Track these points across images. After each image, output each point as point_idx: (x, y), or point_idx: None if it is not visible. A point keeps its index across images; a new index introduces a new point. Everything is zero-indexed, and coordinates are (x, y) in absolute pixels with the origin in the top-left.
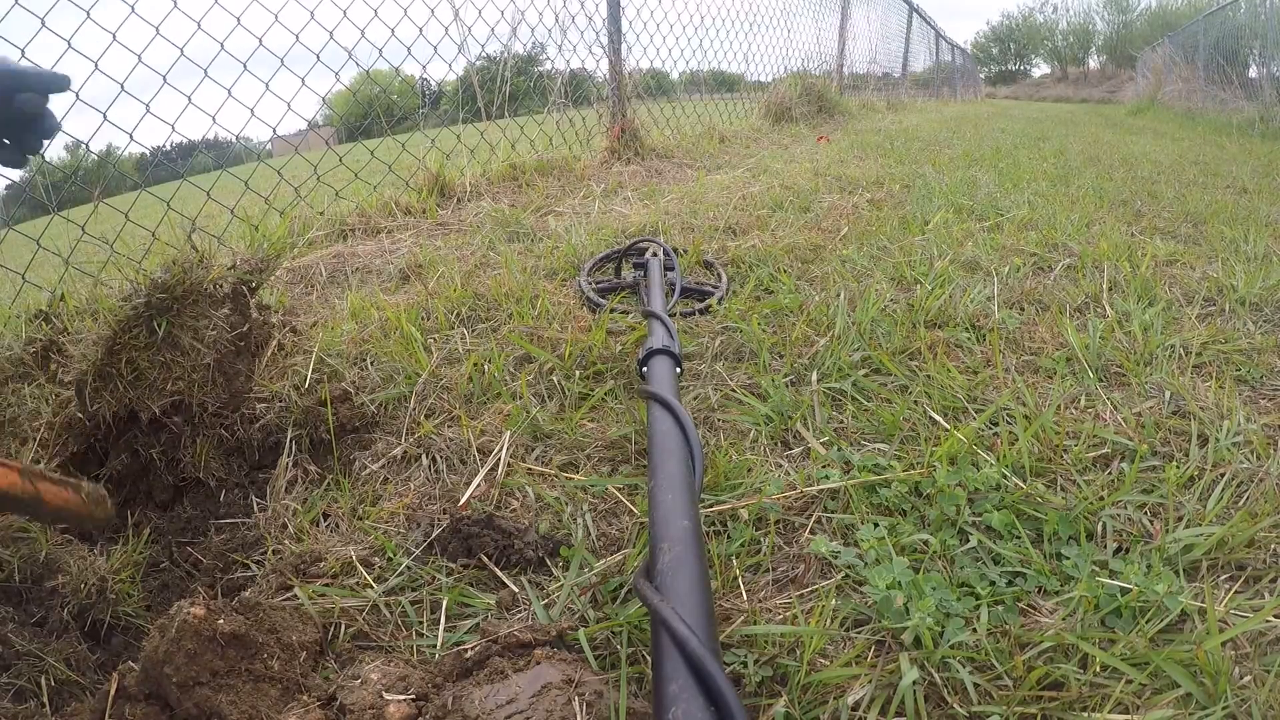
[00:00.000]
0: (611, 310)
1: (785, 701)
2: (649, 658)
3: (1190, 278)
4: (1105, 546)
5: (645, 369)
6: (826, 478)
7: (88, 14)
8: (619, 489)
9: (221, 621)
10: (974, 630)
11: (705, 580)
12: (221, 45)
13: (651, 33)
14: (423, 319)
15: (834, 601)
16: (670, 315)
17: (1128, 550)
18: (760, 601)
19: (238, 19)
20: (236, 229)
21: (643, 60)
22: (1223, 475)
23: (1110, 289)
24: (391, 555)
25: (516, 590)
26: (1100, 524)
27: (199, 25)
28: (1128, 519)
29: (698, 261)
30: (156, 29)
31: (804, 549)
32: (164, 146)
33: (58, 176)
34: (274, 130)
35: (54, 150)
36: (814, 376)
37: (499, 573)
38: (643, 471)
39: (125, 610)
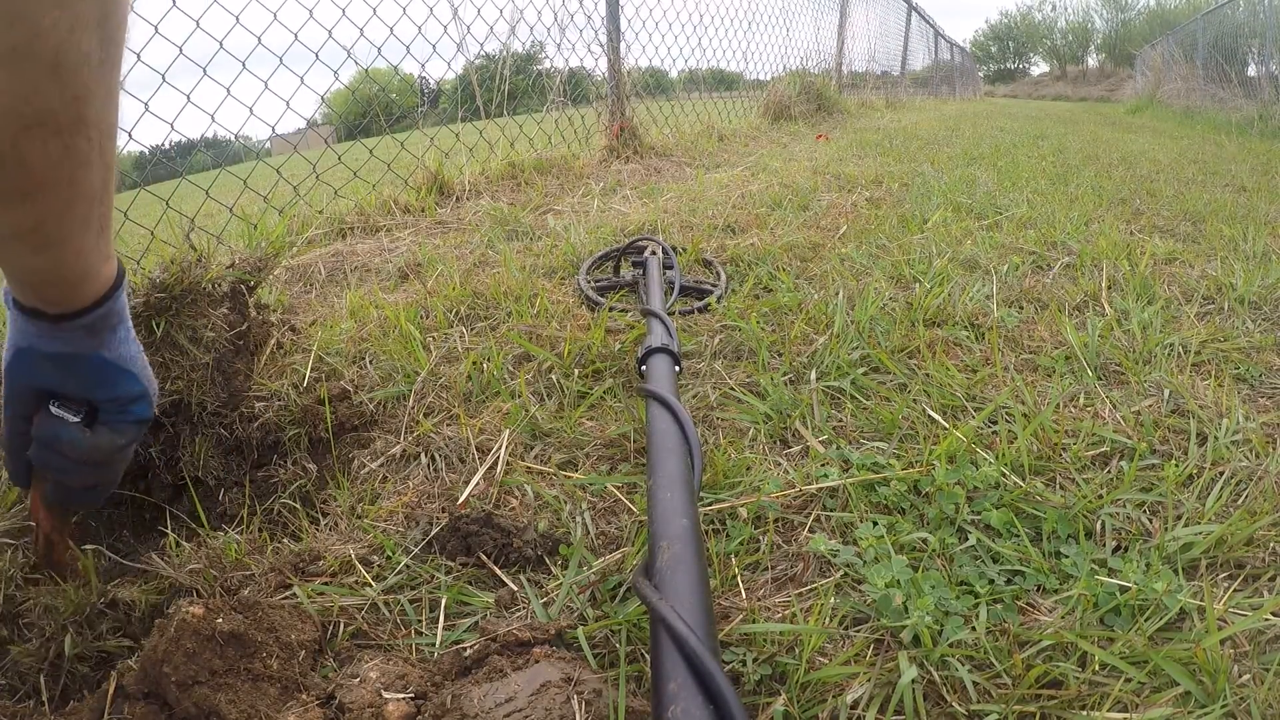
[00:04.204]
0: (610, 309)
1: (784, 700)
2: (648, 656)
3: (1189, 276)
4: (1104, 545)
5: (644, 367)
6: (825, 476)
7: None
8: (618, 487)
9: (220, 620)
10: (973, 628)
11: (704, 579)
12: (220, 44)
13: (650, 31)
14: (421, 317)
15: (833, 600)
16: (669, 313)
17: (1127, 548)
18: (759, 600)
19: (236, 18)
20: (235, 227)
21: (641, 59)
22: (1222, 473)
23: (1109, 287)
24: (390, 554)
25: (515, 589)
26: (1099, 522)
27: (198, 24)
28: (1127, 517)
29: (696, 260)
30: (155, 28)
31: (803, 547)
32: (163, 145)
33: None
34: (273, 129)
35: None
36: (813, 375)
37: (498, 571)
38: (642, 470)
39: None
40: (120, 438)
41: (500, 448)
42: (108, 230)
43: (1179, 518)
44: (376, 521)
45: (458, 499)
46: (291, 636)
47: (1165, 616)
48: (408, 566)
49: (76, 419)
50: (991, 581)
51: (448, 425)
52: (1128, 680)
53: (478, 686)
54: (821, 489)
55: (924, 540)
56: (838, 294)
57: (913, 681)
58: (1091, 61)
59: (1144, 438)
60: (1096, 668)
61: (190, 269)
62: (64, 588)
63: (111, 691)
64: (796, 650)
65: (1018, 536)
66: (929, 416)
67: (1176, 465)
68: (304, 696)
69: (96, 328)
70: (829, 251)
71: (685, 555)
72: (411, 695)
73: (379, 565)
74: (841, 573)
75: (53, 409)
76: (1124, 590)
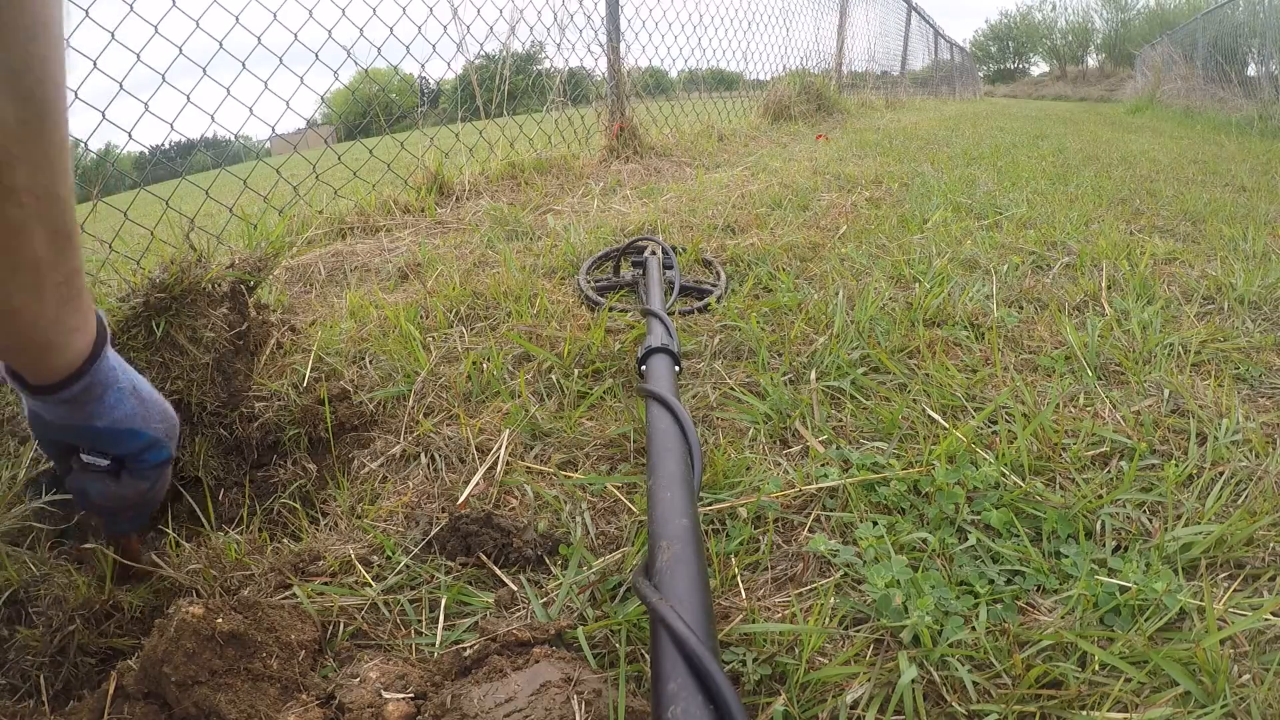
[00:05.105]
0: (610, 308)
1: (784, 700)
2: (648, 656)
3: (1189, 276)
4: (1104, 545)
5: (644, 367)
6: (825, 476)
7: (86, 13)
8: (618, 487)
9: (220, 620)
10: (973, 628)
11: (704, 578)
12: (220, 44)
13: (650, 31)
14: (421, 317)
15: (833, 600)
16: (669, 313)
17: (1126, 548)
18: (759, 600)
19: (236, 18)
20: (235, 227)
21: (641, 59)
22: (1221, 473)
23: (1109, 287)
24: (390, 554)
25: (515, 589)
26: (1099, 522)
27: (197, 24)
28: (1126, 517)
29: (696, 260)
30: (155, 28)
31: (802, 547)
32: (163, 145)
33: None
34: (273, 129)
35: None
36: (813, 375)
37: (498, 571)
38: (641, 470)
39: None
40: (144, 482)
41: (500, 448)
42: (75, 300)
43: (1179, 518)
44: (376, 521)
45: (458, 499)
46: (291, 636)
47: (1165, 616)
48: (408, 566)
49: (104, 465)
50: (991, 581)
51: (448, 425)
52: (1128, 680)
53: (478, 686)
54: (821, 489)
55: (924, 540)
56: (838, 294)
57: (913, 681)
58: (1091, 61)
59: (1144, 438)
60: (1096, 668)
61: (190, 269)
62: (75, 580)
63: (111, 691)
64: (796, 650)
65: (1018, 536)
66: (929, 416)
67: (1176, 465)
68: (304, 696)
69: (80, 400)
70: (829, 251)
71: (685, 555)
72: (411, 695)
73: (379, 565)
74: (841, 573)
75: (83, 457)
76: (1124, 590)
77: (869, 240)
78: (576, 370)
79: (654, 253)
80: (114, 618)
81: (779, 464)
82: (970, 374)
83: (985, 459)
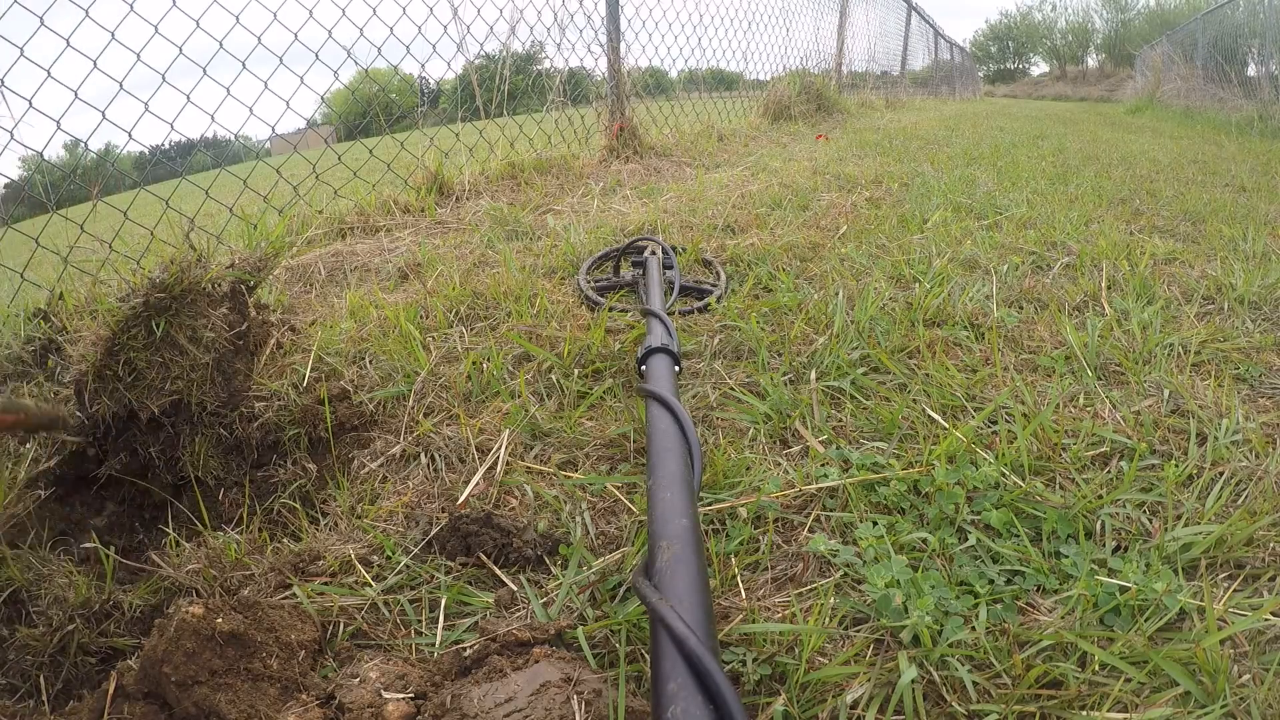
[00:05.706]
0: (610, 308)
1: (784, 700)
2: (648, 656)
3: (1189, 276)
4: (1104, 545)
5: (644, 367)
6: (825, 476)
7: (86, 13)
8: (617, 487)
9: (220, 620)
10: (973, 628)
11: (704, 579)
12: (220, 44)
13: (650, 31)
14: (421, 317)
15: (832, 600)
16: (669, 314)
17: (1126, 549)
18: (759, 600)
19: (236, 18)
20: (235, 227)
21: (641, 59)
22: (1221, 474)
23: (1109, 287)
24: (390, 554)
25: (515, 589)
26: (1099, 522)
27: (198, 24)
28: (1126, 517)
29: (696, 260)
30: (155, 28)
31: (802, 547)
32: (163, 145)
33: (56, 175)
34: (273, 129)
35: (53, 149)
36: (813, 375)
37: (498, 571)
38: (641, 470)
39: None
40: None
41: (500, 448)
42: None
43: (1179, 518)
44: (376, 521)
45: (458, 499)
46: (291, 636)
47: (1165, 616)
48: (408, 566)
49: None
50: (991, 581)
51: (448, 425)
52: (1128, 680)
53: (477, 686)
54: (821, 489)
55: (924, 540)
56: (838, 294)
57: (913, 681)
58: (1091, 61)
59: (1144, 438)
60: (1096, 668)
61: (190, 269)
62: (76, 580)
63: (111, 691)
64: (796, 650)
65: (1018, 536)
66: (929, 416)
67: (1176, 465)
68: (304, 696)
69: None
70: (829, 251)
71: (685, 555)
72: (411, 695)
73: (379, 565)
74: (841, 573)
75: None
76: (1124, 590)
77: (869, 240)
78: (576, 370)
79: (654, 253)
80: (114, 617)
81: (779, 464)
82: (970, 374)
83: (985, 459)
